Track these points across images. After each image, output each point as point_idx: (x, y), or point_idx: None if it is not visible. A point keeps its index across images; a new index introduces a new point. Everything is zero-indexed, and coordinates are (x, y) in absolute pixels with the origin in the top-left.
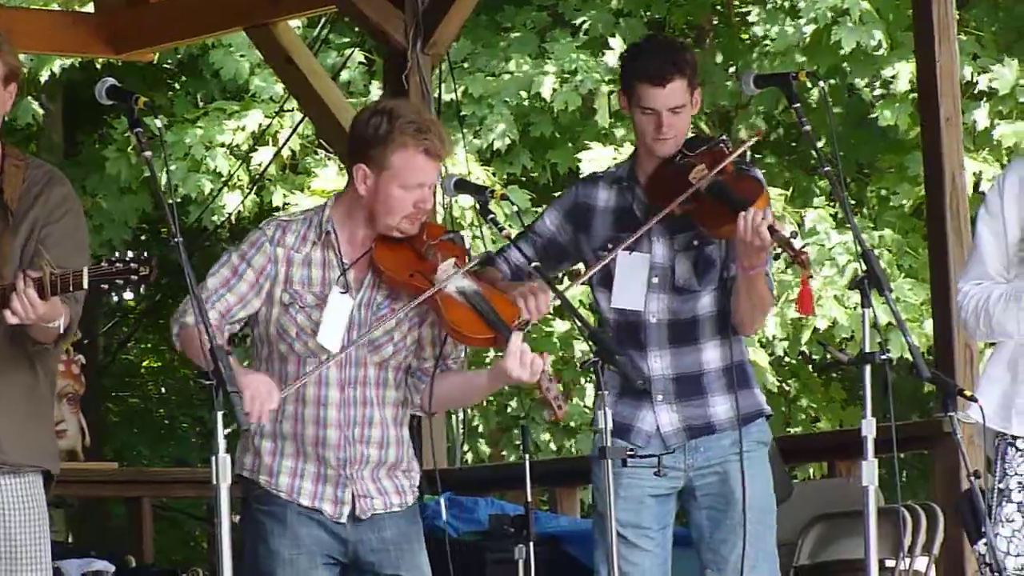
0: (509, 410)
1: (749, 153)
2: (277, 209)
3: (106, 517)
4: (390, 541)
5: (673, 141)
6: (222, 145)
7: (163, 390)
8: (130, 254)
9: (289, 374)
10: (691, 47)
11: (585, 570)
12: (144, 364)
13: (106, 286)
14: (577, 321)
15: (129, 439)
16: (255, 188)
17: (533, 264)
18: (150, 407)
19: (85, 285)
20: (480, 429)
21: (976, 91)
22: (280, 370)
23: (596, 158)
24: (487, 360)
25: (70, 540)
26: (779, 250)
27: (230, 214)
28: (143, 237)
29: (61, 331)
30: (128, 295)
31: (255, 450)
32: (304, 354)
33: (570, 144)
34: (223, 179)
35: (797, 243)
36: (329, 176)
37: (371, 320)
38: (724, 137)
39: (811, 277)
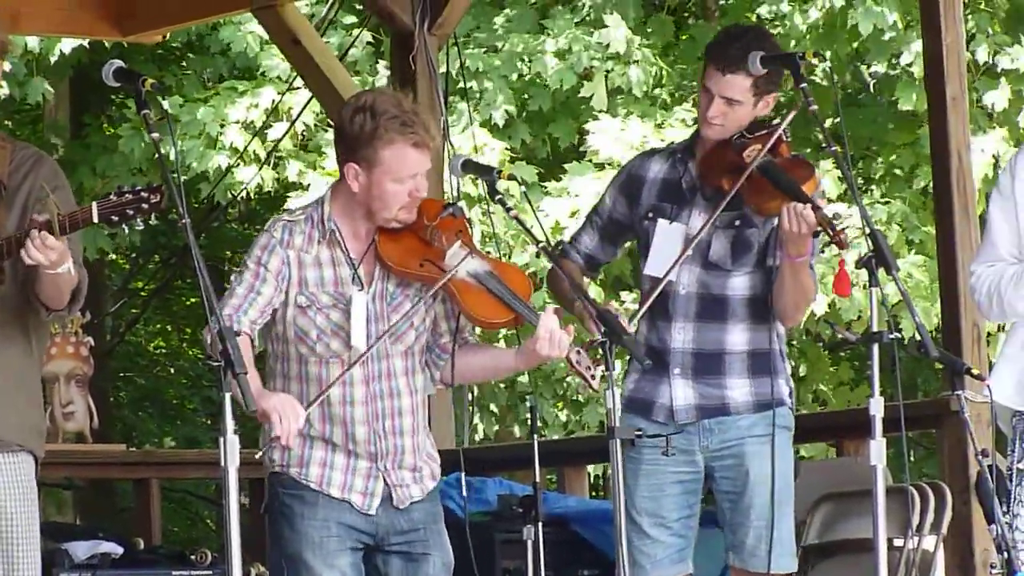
0: (518, 386)
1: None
2: (294, 184)
3: (114, 499)
4: (419, 522)
5: (720, 128)
6: (236, 122)
7: (171, 371)
8: (138, 185)
9: (311, 375)
10: (774, 43)
11: (593, 550)
12: (152, 345)
13: (117, 218)
14: (584, 301)
15: (137, 421)
16: (271, 163)
17: (540, 244)
18: (158, 388)
19: (95, 219)
20: (490, 407)
21: (999, 70)
22: (300, 372)
23: (605, 129)
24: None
25: (78, 522)
26: (819, 229)
27: (245, 188)
28: (152, 222)
29: (71, 285)
30: (140, 226)
31: (283, 447)
32: (326, 355)
33: (570, 119)
34: (238, 154)
35: (840, 224)
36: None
37: (387, 311)
38: (786, 121)
39: (844, 260)
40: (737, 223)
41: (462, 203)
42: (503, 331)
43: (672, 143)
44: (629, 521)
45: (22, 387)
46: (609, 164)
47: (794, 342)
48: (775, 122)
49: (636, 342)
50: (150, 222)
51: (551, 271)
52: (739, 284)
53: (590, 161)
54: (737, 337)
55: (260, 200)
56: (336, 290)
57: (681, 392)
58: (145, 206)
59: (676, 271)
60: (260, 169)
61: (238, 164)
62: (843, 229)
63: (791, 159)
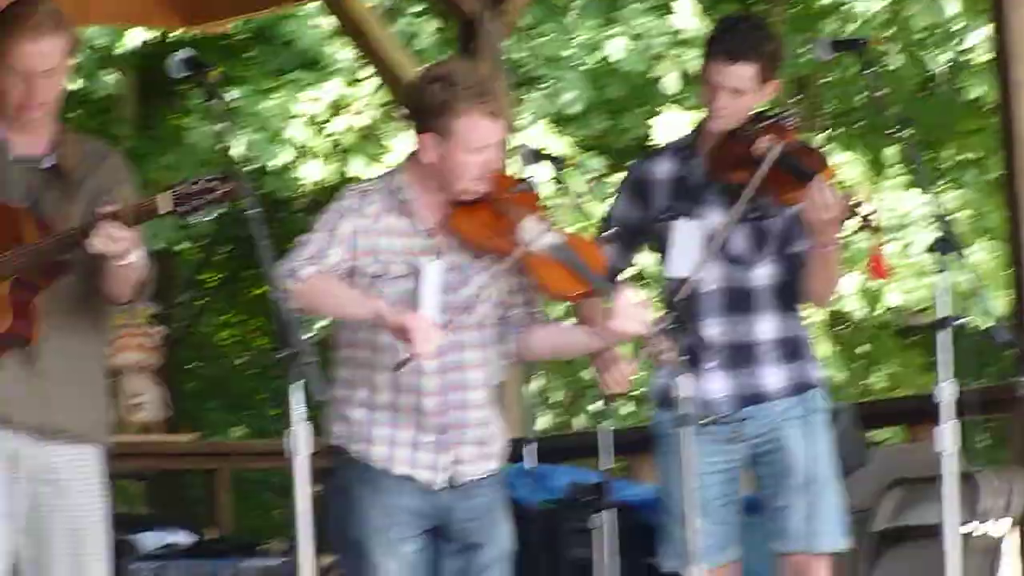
0: (581, 380)
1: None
2: (356, 179)
3: (184, 489)
4: (480, 510)
5: (724, 120)
6: (299, 116)
7: (240, 361)
8: (208, 175)
9: (380, 344)
10: (773, 30)
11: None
12: (221, 335)
13: (187, 209)
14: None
15: (207, 411)
16: (333, 158)
17: (610, 231)
18: (227, 378)
19: (165, 209)
20: (551, 400)
21: None
22: (368, 340)
23: (669, 123)
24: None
25: (148, 512)
26: (849, 217)
27: (303, 185)
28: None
29: (138, 277)
30: (211, 216)
31: (346, 419)
32: None
33: (643, 108)
34: (301, 150)
35: (866, 209)
36: (406, 146)
37: (459, 283)
38: (790, 111)
39: (882, 244)
40: (754, 215)
41: (534, 179)
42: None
43: (672, 142)
44: (671, 513)
45: (88, 379)
46: None
47: (864, 328)
48: (777, 111)
49: (700, 331)
50: (219, 212)
51: None
52: (763, 274)
53: None
54: (766, 326)
55: (332, 191)
56: (408, 259)
57: (718, 385)
58: (216, 196)
59: (695, 269)
60: (324, 163)
61: (301, 159)
62: (872, 213)
63: (802, 147)
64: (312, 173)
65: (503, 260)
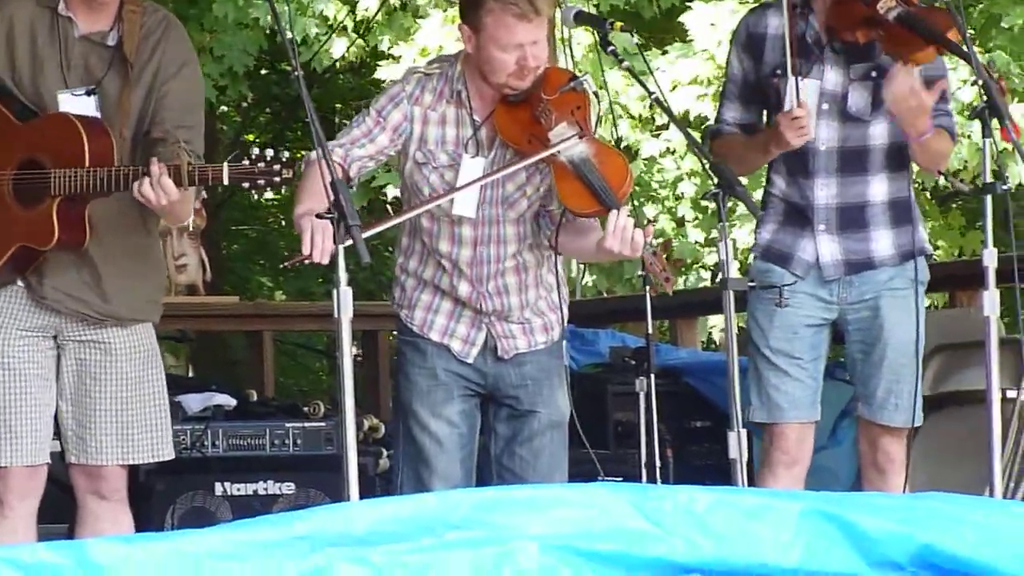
0: None
1: None
2: (383, 55)
3: (227, 351)
4: (529, 376)
5: None
6: None
7: (283, 223)
8: (270, 154)
9: (423, 228)
10: None
11: (705, 402)
12: (264, 197)
13: (247, 185)
14: (698, 153)
15: (249, 273)
16: (361, 32)
17: (652, 95)
18: (270, 240)
19: (225, 181)
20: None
21: None
22: (414, 223)
23: (703, 14)
24: None
25: (191, 374)
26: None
27: (336, 60)
28: (262, 71)
29: (184, 214)
30: (268, 194)
31: (400, 284)
32: (438, 214)
33: None
34: (329, 23)
35: (994, 72)
36: (432, 26)
37: (503, 178)
38: None
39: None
40: (873, 74)
41: (588, 75)
42: None
43: None
44: (765, 362)
45: (144, 268)
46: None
47: None
48: None
49: (749, 193)
50: (261, 72)
51: (714, 145)
52: (878, 133)
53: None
54: (878, 187)
55: (359, 66)
56: (455, 150)
57: (827, 248)
58: (276, 179)
59: (814, 127)
60: (352, 43)
61: (328, 33)
62: (1001, 76)
63: (926, 8)
64: (339, 48)
65: (529, 158)
